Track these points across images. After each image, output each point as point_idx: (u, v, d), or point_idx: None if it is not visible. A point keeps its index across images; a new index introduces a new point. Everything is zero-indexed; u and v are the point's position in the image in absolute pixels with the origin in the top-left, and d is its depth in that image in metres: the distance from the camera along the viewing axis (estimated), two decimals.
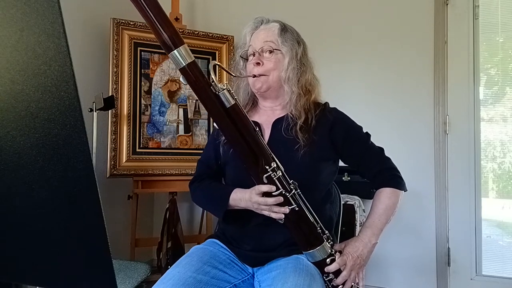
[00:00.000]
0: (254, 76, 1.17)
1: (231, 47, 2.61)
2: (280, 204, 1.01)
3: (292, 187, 1.02)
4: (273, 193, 1.01)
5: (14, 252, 0.58)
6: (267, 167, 0.99)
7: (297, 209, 1.02)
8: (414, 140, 2.42)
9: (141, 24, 2.38)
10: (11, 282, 0.64)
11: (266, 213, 1.05)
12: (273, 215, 1.04)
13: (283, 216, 1.03)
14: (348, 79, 2.56)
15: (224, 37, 2.60)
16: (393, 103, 2.48)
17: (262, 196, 1.02)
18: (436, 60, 2.39)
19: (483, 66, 2.38)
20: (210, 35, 2.57)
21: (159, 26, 0.90)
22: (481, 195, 2.35)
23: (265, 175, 1.00)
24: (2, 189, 0.55)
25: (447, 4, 2.38)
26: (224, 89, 0.96)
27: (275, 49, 1.17)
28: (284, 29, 1.20)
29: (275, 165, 1.00)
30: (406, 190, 1.20)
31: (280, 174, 1.01)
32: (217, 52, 2.60)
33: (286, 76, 1.17)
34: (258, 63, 1.17)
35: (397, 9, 2.48)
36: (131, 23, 2.35)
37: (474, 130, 2.34)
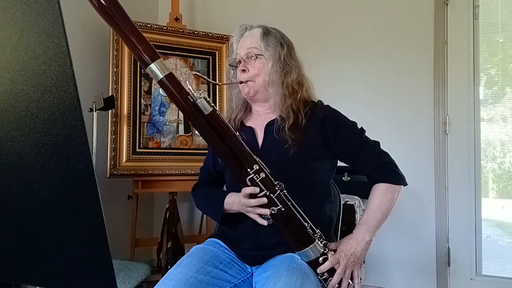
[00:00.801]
0: (241, 82, 1.20)
1: None
2: (266, 205, 1.03)
3: (277, 188, 1.03)
4: (258, 195, 1.03)
5: (14, 252, 0.58)
6: (249, 170, 1.01)
7: (283, 209, 1.03)
8: (414, 140, 2.42)
9: (141, 24, 2.38)
10: (11, 282, 0.64)
11: (252, 215, 1.07)
12: (258, 220, 1.06)
13: (266, 222, 1.05)
14: (348, 79, 2.56)
15: (224, 37, 2.60)
16: (393, 103, 2.48)
17: (249, 198, 1.05)
18: (436, 60, 2.39)
19: (483, 66, 2.38)
20: (210, 35, 2.57)
21: (135, 43, 0.95)
22: (481, 195, 2.35)
23: (248, 178, 1.02)
24: (2, 189, 0.55)
25: (447, 4, 2.38)
26: (200, 97, 1.00)
27: (258, 54, 1.19)
28: (266, 33, 1.21)
29: (257, 167, 1.02)
30: (406, 184, 1.18)
31: (264, 176, 1.02)
32: (217, 52, 2.60)
33: (269, 79, 1.18)
34: (244, 70, 1.20)
35: (397, 9, 2.48)
36: None
37: (474, 130, 2.34)
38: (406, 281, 2.43)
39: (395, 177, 1.17)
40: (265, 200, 1.02)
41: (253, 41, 1.20)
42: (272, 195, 1.02)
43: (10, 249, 0.58)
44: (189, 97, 1.00)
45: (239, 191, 1.11)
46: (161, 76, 0.96)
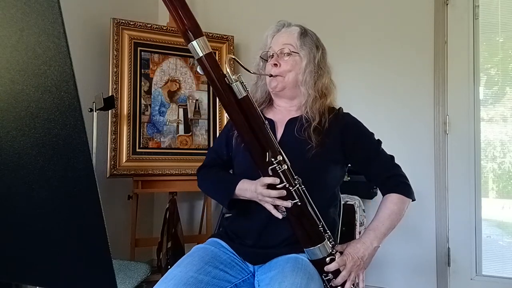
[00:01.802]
0: (271, 75, 1.21)
1: (231, 47, 2.61)
2: (283, 198, 1.03)
3: (296, 182, 1.04)
4: (277, 186, 1.03)
5: (14, 252, 0.58)
6: (273, 160, 1.02)
7: (299, 203, 1.03)
8: (414, 140, 2.42)
9: (141, 24, 2.38)
10: (11, 282, 0.64)
11: (268, 206, 1.07)
12: (273, 211, 1.06)
13: (280, 215, 1.05)
14: (348, 79, 2.56)
15: (224, 37, 2.60)
16: (393, 103, 2.48)
17: (267, 188, 1.04)
18: (436, 60, 2.39)
19: (483, 66, 2.37)
20: (210, 35, 2.57)
21: (183, 17, 0.96)
22: (481, 195, 2.35)
23: (271, 167, 1.02)
24: (2, 189, 0.55)
25: (447, 4, 2.38)
26: (237, 80, 1.01)
27: (293, 51, 1.21)
28: (304, 33, 1.24)
29: (281, 158, 1.03)
30: (415, 200, 1.22)
31: (286, 168, 1.03)
32: (217, 52, 2.60)
33: (303, 79, 1.20)
34: (275, 64, 1.21)
35: (397, 9, 2.48)
36: (131, 23, 2.35)
37: (474, 130, 2.34)
38: (406, 281, 2.43)
39: (407, 190, 1.20)
40: (285, 192, 1.03)
41: (290, 38, 1.22)
42: (291, 188, 1.03)
43: (10, 249, 0.58)
44: (225, 79, 1.01)
45: (248, 178, 1.13)
46: (201, 54, 0.97)
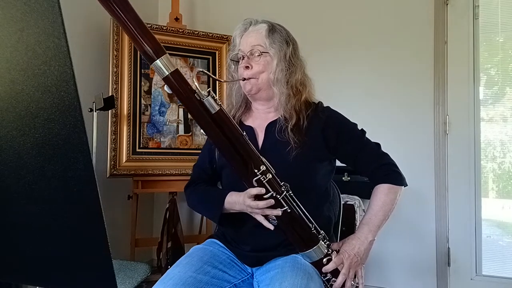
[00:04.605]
0: (244, 79, 1.17)
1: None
2: (272, 207, 1.02)
3: (283, 189, 1.02)
4: (264, 196, 1.01)
5: (14, 252, 0.58)
6: (256, 171, 1.00)
7: (289, 210, 1.02)
8: (414, 140, 2.42)
9: None
10: (11, 282, 0.64)
11: (259, 217, 1.06)
12: (265, 223, 1.05)
13: (272, 227, 1.04)
14: (348, 80, 2.56)
15: (224, 37, 2.60)
16: (393, 103, 2.48)
17: (254, 199, 1.03)
18: (436, 60, 2.39)
19: (483, 66, 2.37)
20: (210, 35, 2.57)
21: (140, 38, 0.91)
22: (481, 195, 2.35)
23: (255, 179, 1.00)
24: (2, 189, 0.55)
25: (447, 4, 2.38)
26: (208, 95, 0.97)
27: (263, 52, 1.16)
28: (272, 30, 1.18)
29: (264, 168, 1.00)
30: (407, 185, 1.19)
31: (270, 176, 1.01)
32: (217, 52, 2.60)
33: (274, 78, 1.16)
34: (247, 67, 1.17)
35: (397, 9, 2.48)
36: None
37: (474, 130, 2.34)
38: (406, 281, 2.43)
39: (397, 178, 1.17)
40: (273, 201, 1.01)
41: (258, 38, 1.17)
42: (278, 196, 1.01)
43: (10, 249, 0.58)
44: (195, 95, 0.97)
45: (238, 190, 1.10)
46: (166, 73, 0.93)
